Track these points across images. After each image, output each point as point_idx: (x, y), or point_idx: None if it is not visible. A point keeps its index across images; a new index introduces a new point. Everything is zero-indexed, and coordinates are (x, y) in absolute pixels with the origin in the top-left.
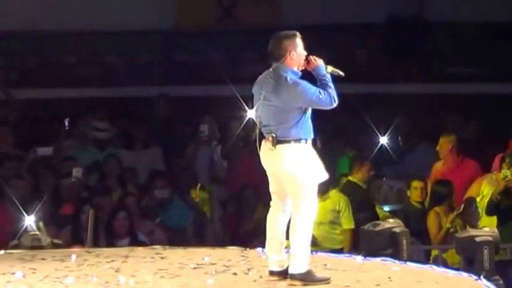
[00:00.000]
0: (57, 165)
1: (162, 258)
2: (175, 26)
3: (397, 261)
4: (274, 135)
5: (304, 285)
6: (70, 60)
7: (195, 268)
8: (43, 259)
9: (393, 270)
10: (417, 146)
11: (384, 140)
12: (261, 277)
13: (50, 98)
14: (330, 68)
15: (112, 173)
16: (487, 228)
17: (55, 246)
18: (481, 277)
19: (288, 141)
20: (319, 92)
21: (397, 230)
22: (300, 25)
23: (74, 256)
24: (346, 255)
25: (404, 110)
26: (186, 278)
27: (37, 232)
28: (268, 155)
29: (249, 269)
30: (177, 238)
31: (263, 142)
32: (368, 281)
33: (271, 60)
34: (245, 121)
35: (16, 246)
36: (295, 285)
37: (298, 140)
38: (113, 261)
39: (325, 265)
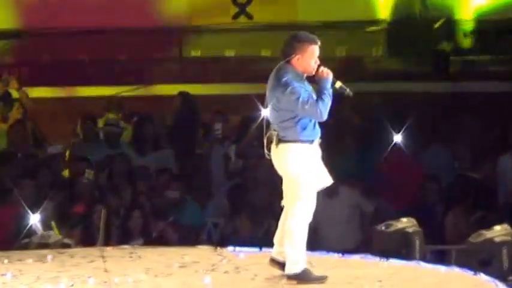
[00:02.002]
0: (68, 164)
1: (140, 257)
2: (190, 23)
3: (377, 258)
4: (277, 133)
5: (303, 284)
6: (82, 58)
7: (182, 267)
8: (20, 260)
9: (384, 267)
10: (431, 146)
11: (397, 138)
12: (255, 275)
13: (62, 96)
14: (339, 84)
15: (122, 173)
16: (498, 227)
17: (63, 246)
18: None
19: (289, 141)
20: (307, 102)
21: (409, 230)
22: (315, 22)
23: (49, 257)
24: (323, 252)
25: (420, 108)
26: (182, 277)
27: (49, 231)
28: (274, 154)
29: (236, 268)
30: (189, 238)
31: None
32: (368, 277)
33: (281, 57)
34: (259, 120)
35: (25, 245)
36: (292, 283)
37: (299, 141)
38: (92, 261)
39: (310, 263)
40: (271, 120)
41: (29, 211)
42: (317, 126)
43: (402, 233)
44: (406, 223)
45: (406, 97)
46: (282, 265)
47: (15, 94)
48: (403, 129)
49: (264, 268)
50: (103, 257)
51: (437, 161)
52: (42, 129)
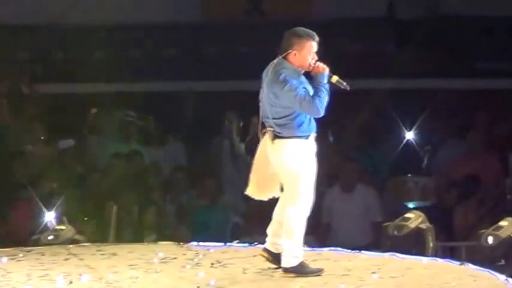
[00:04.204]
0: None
1: (113, 254)
2: (203, 19)
3: (349, 251)
4: (272, 129)
5: (299, 276)
6: (96, 54)
7: (164, 263)
8: None
9: (363, 258)
10: (444, 142)
11: (410, 135)
12: (244, 269)
13: (76, 93)
14: (335, 78)
15: (135, 169)
16: (505, 222)
17: (74, 242)
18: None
19: (285, 137)
20: (304, 98)
21: (422, 226)
22: (328, 18)
23: (21, 255)
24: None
25: (432, 105)
26: (174, 272)
27: (61, 227)
28: (270, 150)
29: (219, 262)
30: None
31: (266, 134)
32: (359, 269)
33: (279, 52)
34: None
35: (36, 241)
36: (289, 276)
37: (296, 137)
38: (67, 259)
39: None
40: (267, 114)
41: (44, 208)
42: (313, 121)
43: (415, 232)
44: (415, 220)
45: (419, 93)
46: (274, 256)
47: (26, 90)
48: (416, 126)
49: (247, 262)
50: (75, 254)
51: (451, 157)
52: (56, 125)
